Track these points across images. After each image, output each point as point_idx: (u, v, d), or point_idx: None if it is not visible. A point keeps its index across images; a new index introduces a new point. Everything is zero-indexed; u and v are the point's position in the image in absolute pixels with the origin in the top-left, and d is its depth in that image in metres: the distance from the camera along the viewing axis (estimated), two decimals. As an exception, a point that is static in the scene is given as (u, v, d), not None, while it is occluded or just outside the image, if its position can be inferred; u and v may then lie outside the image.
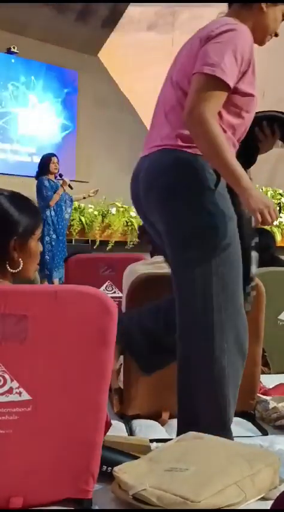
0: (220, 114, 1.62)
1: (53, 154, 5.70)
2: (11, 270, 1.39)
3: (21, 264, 1.40)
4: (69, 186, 5.62)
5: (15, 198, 1.44)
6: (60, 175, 5.66)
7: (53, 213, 5.49)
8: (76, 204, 6.78)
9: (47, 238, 5.44)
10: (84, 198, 6.19)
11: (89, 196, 6.22)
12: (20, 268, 1.40)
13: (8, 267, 1.39)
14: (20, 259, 1.40)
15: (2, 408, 1.18)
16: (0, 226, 1.39)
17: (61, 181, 5.59)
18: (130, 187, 1.82)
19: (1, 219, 1.39)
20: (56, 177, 5.60)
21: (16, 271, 1.39)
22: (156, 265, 2.08)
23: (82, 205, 6.86)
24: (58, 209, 5.56)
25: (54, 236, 5.50)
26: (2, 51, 9.20)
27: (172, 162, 1.65)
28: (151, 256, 2.26)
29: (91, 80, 10.03)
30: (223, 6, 1.79)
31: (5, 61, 9.26)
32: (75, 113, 10.11)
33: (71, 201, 5.81)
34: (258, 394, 2.01)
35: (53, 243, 5.48)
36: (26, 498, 1.22)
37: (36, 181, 5.53)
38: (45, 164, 5.56)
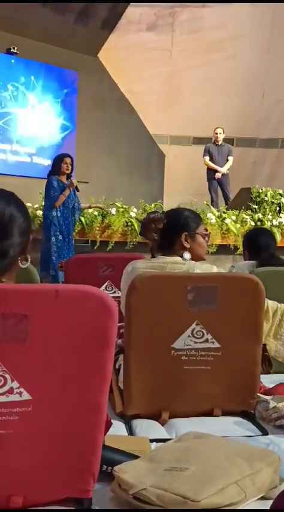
0: None
1: (67, 155, 5.66)
2: (22, 266, 1.41)
3: (29, 259, 1.42)
4: (76, 188, 5.60)
5: (15, 197, 1.45)
6: (69, 177, 5.65)
7: (58, 213, 5.49)
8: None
9: (53, 239, 5.44)
10: (90, 207, 6.33)
11: (98, 207, 6.40)
12: (29, 263, 1.41)
13: (20, 264, 1.40)
14: (28, 255, 1.42)
15: (3, 408, 1.18)
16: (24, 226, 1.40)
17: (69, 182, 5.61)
18: None
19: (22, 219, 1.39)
20: (68, 178, 5.59)
21: (25, 266, 1.41)
22: (161, 264, 2.07)
23: (82, 205, 6.88)
24: (64, 210, 5.55)
25: (60, 237, 5.50)
26: (1, 51, 9.20)
27: None
28: (151, 253, 2.24)
29: (90, 80, 10.03)
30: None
31: (4, 61, 9.26)
32: (75, 113, 10.11)
33: (79, 209, 5.82)
34: (258, 394, 2.00)
35: (59, 244, 5.48)
36: (26, 497, 1.22)
37: (39, 181, 5.55)
38: (57, 164, 5.54)
